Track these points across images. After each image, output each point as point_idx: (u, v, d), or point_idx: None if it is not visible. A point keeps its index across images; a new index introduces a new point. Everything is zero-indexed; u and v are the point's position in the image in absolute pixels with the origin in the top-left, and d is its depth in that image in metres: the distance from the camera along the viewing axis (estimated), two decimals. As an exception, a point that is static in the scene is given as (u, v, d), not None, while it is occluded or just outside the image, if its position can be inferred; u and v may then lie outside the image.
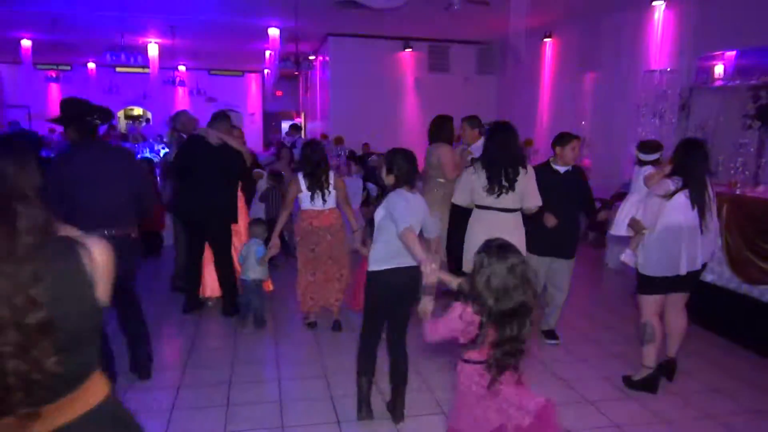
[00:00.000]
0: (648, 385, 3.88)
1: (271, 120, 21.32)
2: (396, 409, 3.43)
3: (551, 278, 4.67)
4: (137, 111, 20.61)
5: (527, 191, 3.95)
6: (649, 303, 3.82)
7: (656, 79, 5.96)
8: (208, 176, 4.93)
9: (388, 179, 3.28)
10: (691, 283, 3.82)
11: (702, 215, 3.64)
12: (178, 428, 3.34)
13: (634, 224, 3.69)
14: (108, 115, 3.67)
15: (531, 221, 4.45)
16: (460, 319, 2.15)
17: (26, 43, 12.87)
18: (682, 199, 3.62)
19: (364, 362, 3.41)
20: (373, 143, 12.01)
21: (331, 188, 4.64)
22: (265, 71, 19.60)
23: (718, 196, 4.95)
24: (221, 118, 5.12)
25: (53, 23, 11.38)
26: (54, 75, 17.64)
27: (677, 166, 3.67)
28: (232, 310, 5.13)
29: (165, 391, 3.77)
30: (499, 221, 3.99)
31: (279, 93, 22.56)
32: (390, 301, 3.31)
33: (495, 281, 2.07)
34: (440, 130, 5.56)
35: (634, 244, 3.78)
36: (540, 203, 4.00)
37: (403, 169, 3.24)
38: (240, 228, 5.39)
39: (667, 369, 4.00)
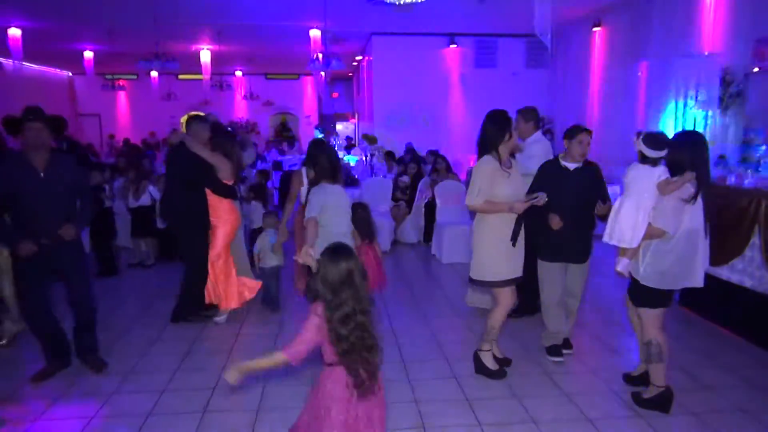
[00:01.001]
0: (660, 403, 3.49)
1: (327, 122, 21.47)
2: None
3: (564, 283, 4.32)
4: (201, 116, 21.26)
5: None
6: (655, 318, 3.43)
7: (694, 64, 5.42)
8: (168, 184, 5.16)
9: (310, 174, 3.89)
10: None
11: (707, 218, 3.26)
12: (148, 434, 3.31)
13: (655, 233, 3.31)
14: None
15: (539, 226, 4.14)
16: (315, 315, 2.27)
17: (88, 54, 13.52)
18: (699, 201, 3.28)
19: None
20: (418, 142, 11.81)
21: None
22: (321, 73, 19.84)
23: (757, 192, 4.49)
24: (192, 121, 5.01)
25: (109, 34, 11.91)
26: (120, 84, 18.43)
27: (686, 163, 3.29)
28: (176, 316, 5.12)
29: (148, 394, 3.75)
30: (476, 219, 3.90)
31: (335, 95, 22.76)
32: None
33: (329, 278, 2.25)
34: None
35: (630, 252, 3.40)
36: (469, 202, 3.71)
37: (325, 167, 3.86)
38: (217, 233, 5.02)
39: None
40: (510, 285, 3.82)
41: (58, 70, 18.22)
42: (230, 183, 4.99)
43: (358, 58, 14.96)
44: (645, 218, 3.36)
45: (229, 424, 3.38)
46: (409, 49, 12.41)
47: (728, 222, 4.63)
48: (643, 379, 3.71)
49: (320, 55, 10.81)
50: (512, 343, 4.59)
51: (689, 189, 3.28)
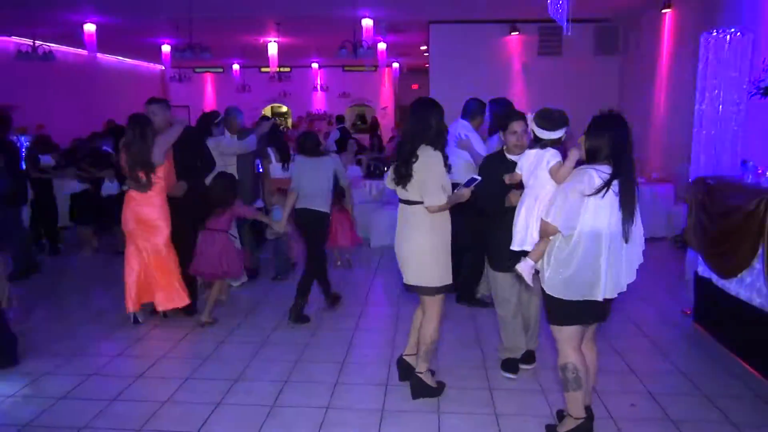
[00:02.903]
0: (578, 439, 2.98)
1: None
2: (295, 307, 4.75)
3: (520, 293, 3.85)
4: (284, 108, 21.83)
5: (423, 183, 3.20)
6: (568, 336, 2.88)
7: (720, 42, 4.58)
8: None
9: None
10: (608, 309, 2.92)
11: (627, 218, 2.70)
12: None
13: (547, 230, 2.79)
14: None
15: (491, 233, 3.73)
16: None
17: (165, 48, 14.20)
18: (610, 196, 2.68)
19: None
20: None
21: None
22: (395, 65, 19.68)
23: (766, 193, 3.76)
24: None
25: (177, 29, 12.42)
26: (187, 77, 18.91)
27: (604, 151, 2.75)
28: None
29: (75, 377, 3.79)
30: (404, 214, 3.37)
31: (415, 86, 22.49)
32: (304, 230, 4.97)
33: None
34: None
35: (536, 254, 2.90)
36: (438, 202, 3.18)
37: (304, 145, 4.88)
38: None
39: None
40: (444, 292, 3.44)
41: (151, 64, 19.35)
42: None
43: (423, 48, 14.60)
44: (538, 211, 2.88)
45: (131, 415, 3.32)
46: (468, 37, 11.91)
47: (735, 226, 3.94)
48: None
49: (385, 46, 10.61)
50: (473, 352, 4.20)
51: (590, 176, 2.67)
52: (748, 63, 4.52)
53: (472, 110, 5.19)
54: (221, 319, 4.87)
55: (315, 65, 18.76)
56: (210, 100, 20.86)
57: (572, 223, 2.68)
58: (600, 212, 2.68)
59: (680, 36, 9.06)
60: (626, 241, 2.76)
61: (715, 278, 4.35)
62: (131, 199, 4.61)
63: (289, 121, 20.74)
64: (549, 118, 2.92)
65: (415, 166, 3.22)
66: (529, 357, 3.94)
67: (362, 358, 4.12)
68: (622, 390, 3.57)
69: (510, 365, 3.84)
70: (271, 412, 3.34)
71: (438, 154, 3.24)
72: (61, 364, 4.01)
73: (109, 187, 7.13)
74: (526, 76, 12.00)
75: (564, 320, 2.85)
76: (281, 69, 19.23)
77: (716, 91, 4.62)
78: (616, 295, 2.80)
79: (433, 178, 3.20)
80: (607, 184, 2.64)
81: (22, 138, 8.90)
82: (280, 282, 5.97)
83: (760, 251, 3.72)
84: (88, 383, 3.73)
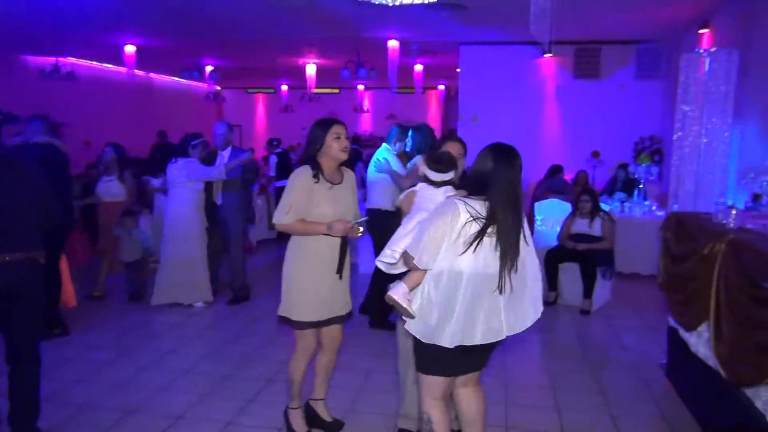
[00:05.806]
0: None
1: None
2: None
3: None
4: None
5: None
6: (431, 386, 2.55)
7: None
8: None
9: None
10: (485, 358, 2.57)
11: (506, 265, 2.39)
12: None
13: (406, 259, 2.49)
14: None
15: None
16: None
17: (209, 68, 14.55)
18: (492, 240, 2.40)
19: None
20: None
21: None
22: (441, 87, 19.44)
23: (719, 234, 3.25)
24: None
25: (221, 49, 12.74)
26: (222, 96, 19.29)
27: (484, 183, 2.41)
28: None
29: None
30: None
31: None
32: None
33: None
34: None
35: (412, 280, 2.49)
36: (276, 221, 3.03)
37: None
38: None
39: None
40: (317, 327, 3.15)
41: (205, 84, 20.01)
42: None
43: (458, 70, 14.31)
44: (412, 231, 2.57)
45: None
46: (498, 59, 11.54)
47: (692, 272, 3.45)
48: None
49: (421, 68, 10.41)
50: (393, 398, 3.84)
51: (456, 214, 2.35)
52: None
53: (393, 135, 5.27)
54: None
55: (361, 87, 18.82)
56: (261, 119, 21.39)
57: (432, 257, 2.38)
58: (483, 254, 2.38)
59: (717, 58, 8.35)
60: (501, 292, 2.41)
61: (681, 330, 3.83)
62: None
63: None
64: (440, 160, 2.72)
65: None
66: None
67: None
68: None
69: None
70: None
71: (300, 170, 3.07)
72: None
73: None
74: (559, 99, 11.45)
75: (427, 368, 2.54)
76: (330, 90, 19.50)
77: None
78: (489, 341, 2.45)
79: (284, 194, 3.05)
80: (481, 233, 2.35)
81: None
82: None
83: (711, 303, 3.21)
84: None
